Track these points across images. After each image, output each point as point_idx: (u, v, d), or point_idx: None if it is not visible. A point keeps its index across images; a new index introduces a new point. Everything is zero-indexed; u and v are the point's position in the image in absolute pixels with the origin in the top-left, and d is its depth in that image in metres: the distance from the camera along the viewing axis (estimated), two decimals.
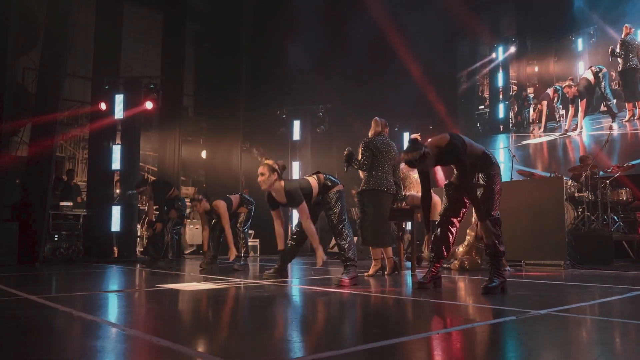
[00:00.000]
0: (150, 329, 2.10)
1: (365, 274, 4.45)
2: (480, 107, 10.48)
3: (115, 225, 7.62)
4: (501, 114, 10.09)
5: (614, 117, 8.29)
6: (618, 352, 1.67)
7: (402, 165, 4.96)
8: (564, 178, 5.99)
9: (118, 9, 8.57)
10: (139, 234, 8.37)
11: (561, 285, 3.73)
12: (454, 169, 3.33)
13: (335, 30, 10.01)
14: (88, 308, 2.66)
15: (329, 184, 4.02)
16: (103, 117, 7.98)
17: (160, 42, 9.84)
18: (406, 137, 8.94)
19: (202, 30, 11.73)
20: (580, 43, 8.96)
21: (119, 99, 7.88)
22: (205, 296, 3.20)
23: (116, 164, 7.82)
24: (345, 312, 2.66)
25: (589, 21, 8.78)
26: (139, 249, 8.19)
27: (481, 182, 3.17)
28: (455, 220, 3.30)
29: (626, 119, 8.14)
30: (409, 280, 4.14)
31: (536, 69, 9.63)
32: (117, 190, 8.26)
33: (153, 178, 9.86)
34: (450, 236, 3.31)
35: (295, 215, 7.87)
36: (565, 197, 5.64)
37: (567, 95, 8.96)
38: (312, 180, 4.02)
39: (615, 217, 6.73)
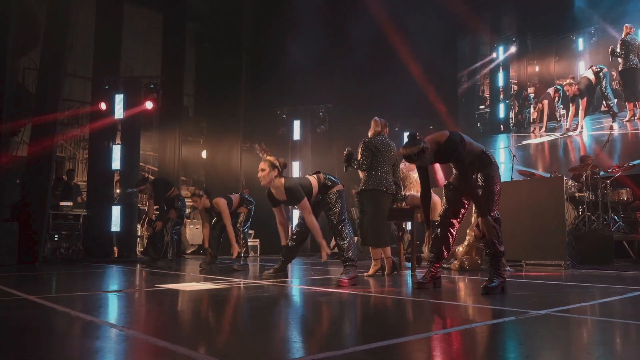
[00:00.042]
0: (148, 329, 2.10)
1: (365, 274, 4.44)
2: (480, 107, 10.47)
3: (115, 225, 7.62)
4: (502, 113, 10.08)
5: (614, 116, 8.28)
6: (618, 353, 1.67)
7: (402, 165, 4.95)
8: (564, 178, 5.98)
9: (118, 9, 8.57)
10: (139, 234, 8.37)
11: (561, 285, 3.72)
12: (453, 169, 3.32)
13: (335, 30, 10.01)
14: (86, 308, 2.66)
15: (329, 183, 4.02)
16: (103, 117, 7.98)
17: (161, 42, 9.84)
18: (406, 137, 8.91)
19: (202, 30, 11.73)
20: (581, 42, 8.95)
21: (119, 98, 7.88)
22: (204, 296, 3.19)
23: (116, 164, 7.82)
24: (344, 312, 2.66)
25: (590, 21, 8.76)
26: (139, 249, 8.19)
27: (480, 182, 3.16)
28: (454, 221, 3.29)
29: (627, 118, 8.12)
30: (409, 280, 4.13)
31: (537, 68, 9.62)
32: (117, 190, 8.26)
33: (152, 177, 9.86)
34: (450, 237, 3.30)
35: (295, 215, 7.87)
36: (565, 197, 5.63)
37: (567, 94, 8.94)
38: (312, 180, 4.01)
39: (616, 217, 6.72)
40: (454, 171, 3.36)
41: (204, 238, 5.71)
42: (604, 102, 8.44)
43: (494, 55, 10.28)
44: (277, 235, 4.14)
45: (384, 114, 4.98)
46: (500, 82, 10.17)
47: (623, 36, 8.21)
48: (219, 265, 5.60)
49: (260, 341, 1.86)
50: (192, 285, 3.81)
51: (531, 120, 9.55)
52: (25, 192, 6.93)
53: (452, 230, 3.30)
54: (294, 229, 4.28)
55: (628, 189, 6.78)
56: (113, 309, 2.75)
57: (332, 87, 10.15)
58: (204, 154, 11.65)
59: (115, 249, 7.81)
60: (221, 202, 5.32)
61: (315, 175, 4.09)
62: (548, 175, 7.66)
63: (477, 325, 2.06)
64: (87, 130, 9.50)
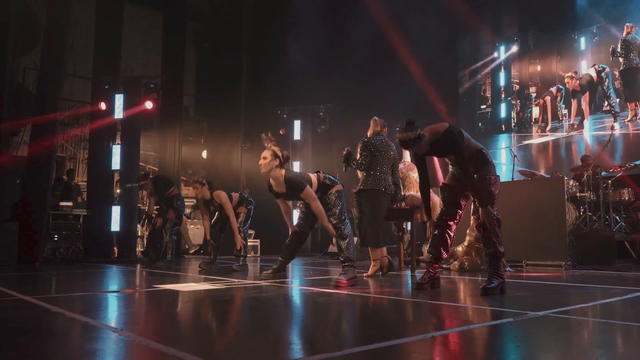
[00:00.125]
0: (143, 331, 2.08)
1: (365, 274, 4.42)
2: (482, 107, 10.43)
3: (115, 225, 7.62)
4: (503, 113, 10.04)
5: (616, 116, 8.24)
6: (617, 355, 1.64)
7: (401, 165, 4.94)
8: (565, 178, 5.95)
9: (118, 9, 8.57)
10: (139, 234, 8.37)
11: (561, 286, 3.70)
12: (450, 167, 3.31)
13: (335, 29, 9.99)
14: (83, 309, 2.64)
15: (328, 182, 4.00)
16: (103, 116, 7.98)
17: (161, 42, 9.83)
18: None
19: (202, 30, 11.72)
20: (582, 42, 8.91)
21: (119, 98, 7.87)
22: (201, 297, 3.18)
23: (116, 164, 7.81)
24: (342, 313, 2.64)
25: (592, 19, 8.72)
26: (139, 249, 8.18)
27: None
28: (452, 222, 3.28)
29: (628, 118, 8.09)
30: (408, 280, 4.11)
31: (538, 68, 9.58)
32: (117, 190, 8.25)
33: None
34: (448, 238, 3.29)
35: (294, 216, 7.84)
36: (566, 197, 5.60)
37: (567, 87, 8.90)
38: (313, 177, 4.00)
39: (618, 218, 6.69)
40: (450, 169, 3.34)
41: (205, 231, 5.68)
42: (606, 102, 8.41)
43: (495, 54, 10.25)
44: (278, 235, 4.15)
45: (384, 114, 4.96)
46: (502, 81, 10.13)
47: (624, 35, 8.17)
48: (218, 265, 5.58)
49: (257, 343, 1.84)
50: (190, 285, 3.79)
51: (532, 121, 9.51)
52: (25, 192, 6.92)
53: (449, 232, 3.28)
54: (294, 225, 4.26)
55: (630, 189, 6.75)
56: (109, 309, 2.74)
57: (332, 87, 10.13)
58: (204, 154, 11.64)
59: (115, 249, 7.80)
60: (222, 194, 5.31)
61: (315, 174, 4.07)
62: (549, 176, 7.62)
63: (475, 327, 2.04)
64: (87, 130, 9.50)
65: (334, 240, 3.99)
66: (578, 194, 6.55)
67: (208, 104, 11.24)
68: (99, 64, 8.31)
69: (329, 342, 1.90)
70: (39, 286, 4.18)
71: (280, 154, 3.82)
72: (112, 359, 1.61)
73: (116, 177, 8.30)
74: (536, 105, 9.45)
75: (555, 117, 9.16)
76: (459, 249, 5.12)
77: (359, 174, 4.54)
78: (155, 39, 10.59)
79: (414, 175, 5.04)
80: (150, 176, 6.61)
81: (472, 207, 3.25)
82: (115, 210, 7.66)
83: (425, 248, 4.78)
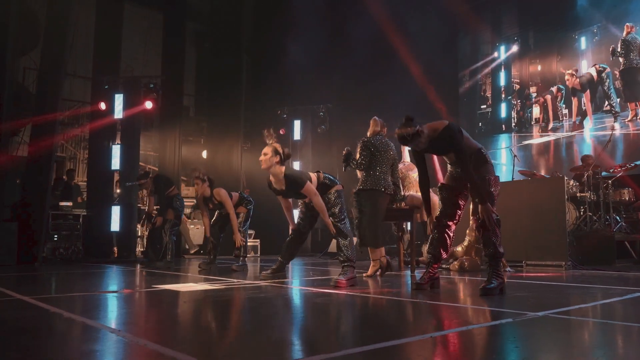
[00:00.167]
0: (141, 331, 2.08)
1: (364, 274, 4.41)
2: (482, 107, 10.42)
3: (115, 226, 7.61)
4: (503, 113, 10.03)
5: (616, 116, 8.23)
6: (617, 356, 1.63)
7: (401, 165, 4.93)
8: (566, 178, 5.94)
9: (118, 9, 8.56)
10: (139, 234, 8.36)
11: (561, 286, 3.69)
12: (448, 166, 3.30)
13: (335, 29, 9.98)
14: (81, 309, 2.64)
15: (328, 182, 3.99)
16: (103, 116, 7.98)
17: (161, 42, 9.83)
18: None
19: (202, 30, 11.71)
20: (583, 41, 8.89)
21: (119, 98, 7.87)
22: (201, 297, 3.17)
23: (116, 164, 7.80)
24: (341, 313, 2.63)
25: (592, 19, 8.71)
26: (139, 249, 8.18)
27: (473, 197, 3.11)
28: (451, 223, 3.27)
29: (629, 118, 8.07)
30: (408, 280, 4.10)
31: (539, 67, 9.56)
32: (117, 190, 8.25)
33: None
34: (447, 238, 3.28)
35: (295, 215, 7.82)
36: (567, 197, 5.59)
37: (567, 85, 8.88)
38: (313, 176, 3.99)
39: (618, 218, 6.67)
40: (449, 168, 3.32)
41: (205, 228, 5.68)
42: (606, 102, 8.39)
43: (496, 54, 10.23)
44: (278, 235, 4.14)
45: (384, 114, 4.95)
46: (502, 81, 10.12)
47: (624, 35, 8.16)
48: (217, 265, 5.58)
49: (255, 343, 1.83)
50: (189, 286, 3.79)
51: (533, 121, 9.50)
52: (25, 192, 6.92)
53: (449, 232, 3.28)
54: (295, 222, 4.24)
55: (630, 189, 6.73)
56: (108, 310, 2.73)
57: (332, 87, 10.12)
58: (204, 154, 11.63)
59: (115, 249, 7.80)
60: (222, 192, 5.32)
61: (315, 174, 4.07)
62: (549, 176, 7.61)
63: (473, 327, 2.03)
64: (87, 130, 9.49)
65: (332, 244, 3.98)
66: (578, 194, 6.54)
67: (208, 104, 11.23)
68: (99, 64, 8.31)
69: (327, 342, 1.89)
70: (38, 286, 4.17)
71: (281, 151, 3.81)
72: (110, 359, 1.60)
73: (116, 177, 8.29)
74: (536, 104, 9.44)
75: (556, 116, 9.15)
76: (459, 249, 5.11)
77: (359, 173, 4.53)
78: (155, 39, 10.59)
79: (414, 175, 5.03)
80: (150, 175, 6.60)
81: (471, 207, 3.24)
82: (115, 211, 7.66)
83: (425, 248, 4.77)
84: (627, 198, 6.68)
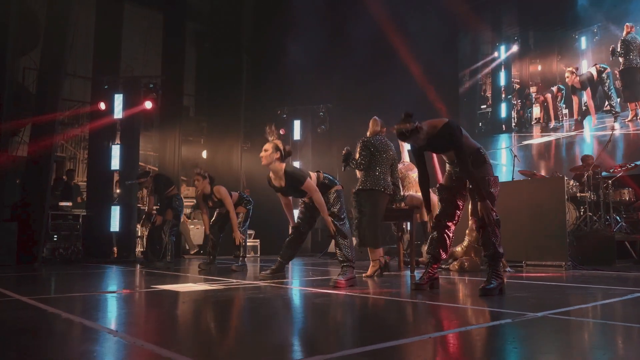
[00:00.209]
0: (138, 332, 2.07)
1: (364, 274, 4.40)
2: (482, 107, 10.41)
3: (115, 226, 7.61)
4: (503, 113, 10.02)
5: (616, 116, 8.22)
6: (617, 357, 1.63)
7: (400, 166, 4.92)
8: (566, 178, 5.93)
9: (118, 8, 8.56)
10: (138, 234, 8.36)
11: (561, 286, 3.68)
12: (447, 165, 3.29)
13: (335, 29, 9.97)
14: (79, 310, 2.63)
15: (327, 182, 3.98)
16: (102, 116, 7.97)
17: (161, 42, 9.82)
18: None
19: (202, 30, 11.71)
20: (583, 41, 8.88)
21: (118, 98, 7.86)
22: (200, 298, 3.17)
23: (115, 164, 7.80)
24: (339, 314, 2.62)
25: (593, 19, 8.69)
26: (138, 249, 8.18)
27: (470, 186, 3.10)
28: (450, 223, 3.26)
29: (629, 118, 8.06)
30: (407, 281, 4.09)
31: (539, 67, 9.55)
32: (117, 190, 8.24)
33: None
34: (447, 239, 3.27)
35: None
36: (567, 197, 5.58)
37: (567, 82, 8.87)
38: (313, 174, 3.99)
39: (618, 218, 6.66)
40: (447, 167, 3.32)
41: (204, 225, 5.68)
42: (607, 102, 8.38)
43: (496, 54, 10.22)
44: (278, 235, 4.13)
45: (384, 114, 4.94)
46: (502, 81, 10.11)
47: (624, 35, 8.15)
48: (217, 265, 5.57)
49: (254, 344, 1.83)
50: (188, 286, 3.78)
51: (534, 121, 9.48)
52: (24, 192, 6.92)
53: (448, 233, 3.27)
54: (295, 220, 4.23)
55: (630, 189, 6.72)
56: (106, 310, 2.73)
57: (332, 87, 10.11)
58: (204, 154, 11.63)
59: (115, 249, 7.79)
60: (222, 189, 5.33)
61: (315, 173, 4.06)
62: (548, 176, 7.60)
63: (472, 328, 2.03)
64: (87, 130, 9.49)
65: (332, 244, 3.98)
66: (578, 194, 6.53)
67: (208, 104, 11.22)
68: (99, 64, 8.31)
69: (326, 343, 1.88)
70: (37, 287, 4.17)
71: (281, 148, 3.81)
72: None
73: (116, 177, 8.29)
74: (537, 103, 9.42)
75: (556, 116, 9.14)
76: (458, 249, 5.10)
77: (358, 173, 4.53)
78: (155, 39, 10.58)
79: (413, 175, 5.03)
80: (151, 175, 6.59)
81: (470, 208, 3.23)
82: (115, 211, 7.65)
83: (425, 248, 4.77)
84: (627, 198, 6.67)
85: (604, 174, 6.86)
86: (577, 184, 6.62)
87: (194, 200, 8.47)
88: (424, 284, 3.27)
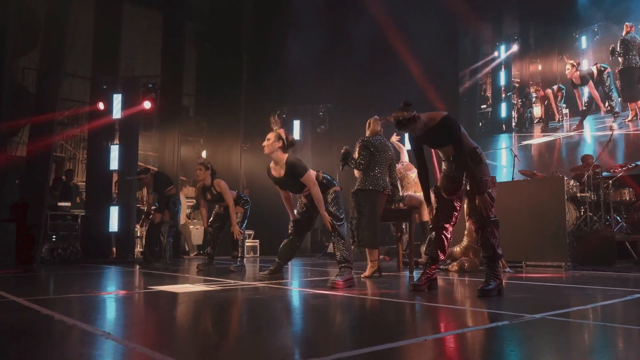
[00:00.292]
0: (132, 334, 2.05)
1: (362, 275, 4.38)
2: (482, 107, 10.38)
3: (114, 226, 7.60)
4: (503, 113, 9.99)
5: (616, 116, 8.19)
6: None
7: (399, 166, 4.90)
8: (566, 178, 5.90)
9: (118, 8, 8.55)
10: (137, 235, 8.35)
11: (561, 287, 3.66)
12: (443, 164, 3.27)
13: (335, 30, 9.95)
14: (73, 311, 2.62)
15: (325, 182, 3.96)
16: (101, 116, 7.97)
17: (161, 42, 9.81)
18: (407, 136, 8.87)
19: (202, 30, 11.69)
20: (584, 40, 8.85)
21: (117, 98, 7.85)
22: (196, 299, 3.15)
23: (114, 164, 7.79)
24: (337, 315, 2.60)
25: (593, 18, 8.67)
26: (137, 249, 8.16)
27: (469, 188, 3.08)
28: (448, 225, 3.25)
29: (629, 118, 8.03)
30: (406, 282, 4.07)
31: (539, 67, 9.53)
32: (116, 191, 8.24)
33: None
34: (445, 240, 3.26)
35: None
36: (567, 197, 5.55)
37: (567, 75, 8.84)
38: (312, 172, 3.97)
39: (618, 218, 6.63)
40: (443, 166, 3.29)
41: (202, 218, 5.66)
42: (607, 102, 8.35)
43: (496, 53, 10.19)
44: (277, 235, 4.11)
45: (385, 114, 4.92)
46: (502, 81, 10.08)
47: (623, 35, 8.12)
48: (215, 266, 5.56)
49: (250, 346, 1.81)
50: (185, 287, 3.76)
51: (535, 120, 9.45)
52: (23, 192, 6.91)
53: (446, 234, 3.26)
54: (294, 217, 4.20)
55: (630, 189, 6.70)
56: (101, 312, 2.71)
57: (332, 87, 10.10)
58: (204, 154, 11.61)
59: (114, 249, 7.78)
60: (222, 183, 5.34)
61: (314, 172, 4.04)
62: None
63: (469, 330, 2.01)
64: (86, 130, 9.48)
65: (331, 245, 3.96)
66: (578, 194, 6.50)
67: (208, 104, 11.21)
68: (98, 63, 8.31)
69: (323, 345, 1.86)
70: (34, 287, 4.15)
71: (284, 137, 3.79)
72: None
73: (115, 177, 8.28)
74: (537, 100, 9.39)
75: (556, 116, 9.11)
76: (457, 249, 5.08)
77: (356, 173, 4.51)
78: (155, 39, 10.57)
79: (412, 175, 5.01)
80: (150, 172, 6.57)
81: (465, 209, 3.21)
82: (114, 211, 7.64)
83: (423, 247, 4.75)
84: (627, 198, 6.64)
85: (604, 174, 6.84)
86: (578, 184, 6.59)
87: (194, 201, 8.45)
88: (422, 284, 3.26)
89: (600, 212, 6.43)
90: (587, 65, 8.73)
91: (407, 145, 5.65)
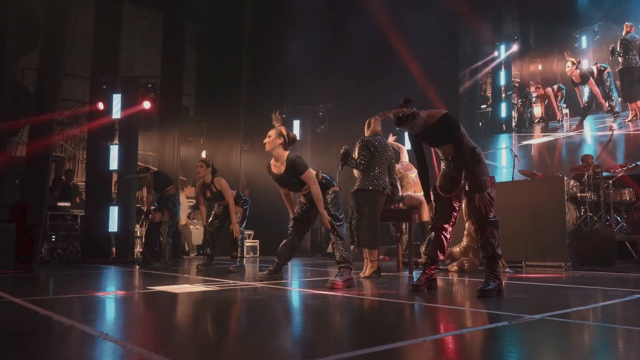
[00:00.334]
0: (128, 334, 2.05)
1: (361, 275, 4.38)
2: (482, 107, 10.38)
3: (113, 226, 7.59)
4: (503, 113, 9.98)
5: (616, 116, 8.18)
6: None
7: (399, 166, 4.89)
8: (566, 178, 5.90)
9: (117, 8, 8.55)
10: (137, 235, 8.35)
11: (561, 287, 3.65)
12: (442, 163, 3.26)
13: (335, 30, 9.95)
14: (72, 312, 2.61)
15: (324, 182, 3.95)
16: (101, 116, 7.97)
17: (161, 42, 9.80)
18: (407, 136, 8.87)
19: (202, 30, 11.69)
20: (584, 40, 8.84)
21: (117, 98, 7.85)
22: (195, 299, 3.14)
23: (114, 164, 7.78)
24: (336, 316, 2.60)
25: (593, 18, 8.66)
26: (137, 249, 8.15)
27: (468, 186, 3.07)
28: (447, 225, 3.24)
29: (629, 118, 8.02)
30: (406, 282, 4.06)
31: (539, 67, 9.52)
32: (116, 191, 8.23)
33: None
34: (444, 240, 3.25)
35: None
36: (567, 197, 5.54)
37: (567, 73, 8.83)
38: (312, 171, 3.96)
39: (619, 218, 6.63)
40: (442, 166, 3.29)
41: (201, 216, 5.66)
42: (607, 102, 8.35)
43: (496, 53, 10.18)
44: (277, 235, 4.09)
45: (384, 110, 4.91)
46: (502, 81, 10.07)
47: (623, 34, 8.12)
48: (215, 266, 5.55)
49: (249, 346, 1.80)
50: (185, 287, 3.76)
51: (535, 120, 9.44)
52: (23, 192, 6.90)
53: (445, 234, 3.25)
54: (293, 219, 4.19)
55: (631, 189, 6.69)
56: (99, 312, 2.70)
57: (332, 87, 10.09)
58: (204, 154, 11.60)
59: (114, 249, 7.78)
60: (223, 181, 5.34)
61: (314, 171, 4.04)
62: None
63: (467, 331, 2.00)
64: (86, 130, 9.48)
65: (331, 245, 3.95)
66: (579, 194, 6.49)
67: (208, 104, 11.20)
68: (98, 64, 8.30)
69: (322, 345, 1.86)
70: (33, 288, 4.14)
71: (285, 134, 3.79)
72: None
73: (114, 177, 8.28)
74: (537, 99, 9.37)
75: (555, 117, 9.10)
76: (456, 249, 5.07)
77: (356, 173, 4.50)
78: (155, 39, 10.56)
79: (412, 175, 5.00)
80: (150, 171, 6.56)
81: (464, 209, 3.20)
82: (113, 211, 7.64)
83: (423, 247, 4.74)
84: (627, 198, 6.63)
85: (604, 174, 6.83)
86: (578, 184, 6.59)
87: (194, 201, 8.45)
88: (422, 285, 3.25)
89: (601, 212, 6.43)
90: (587, 65, 8.73)
91: (407, 145, 5.65)
